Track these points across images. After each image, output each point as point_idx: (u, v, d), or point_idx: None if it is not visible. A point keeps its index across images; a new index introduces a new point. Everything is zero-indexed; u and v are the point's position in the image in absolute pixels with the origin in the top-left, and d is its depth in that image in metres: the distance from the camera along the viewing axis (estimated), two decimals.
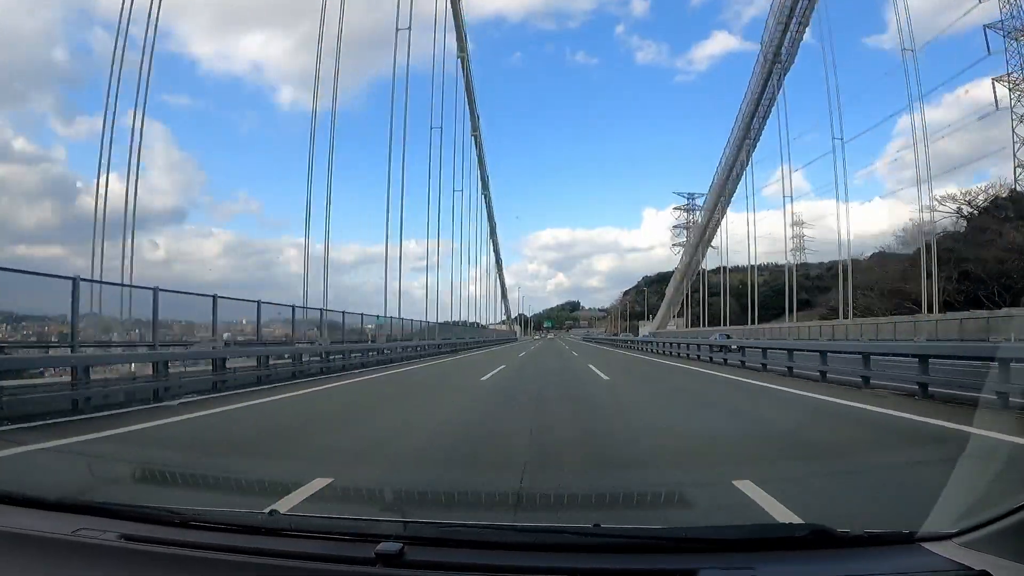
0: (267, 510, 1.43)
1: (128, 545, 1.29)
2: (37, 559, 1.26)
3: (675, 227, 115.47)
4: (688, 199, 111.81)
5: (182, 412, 6.98)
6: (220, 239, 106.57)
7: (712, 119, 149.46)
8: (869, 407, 7.01)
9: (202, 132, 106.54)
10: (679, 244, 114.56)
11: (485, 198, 51.38)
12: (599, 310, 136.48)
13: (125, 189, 18.55)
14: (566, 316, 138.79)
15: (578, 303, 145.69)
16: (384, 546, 1.20)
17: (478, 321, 51.69)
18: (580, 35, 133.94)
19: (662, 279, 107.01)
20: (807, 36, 38.79)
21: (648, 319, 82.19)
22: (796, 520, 2.53)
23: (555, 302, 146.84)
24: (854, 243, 44.82)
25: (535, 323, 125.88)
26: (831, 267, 42.58)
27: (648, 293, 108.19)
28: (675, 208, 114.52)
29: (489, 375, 13.58)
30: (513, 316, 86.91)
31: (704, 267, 61.45)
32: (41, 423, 6.06)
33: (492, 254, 57.97)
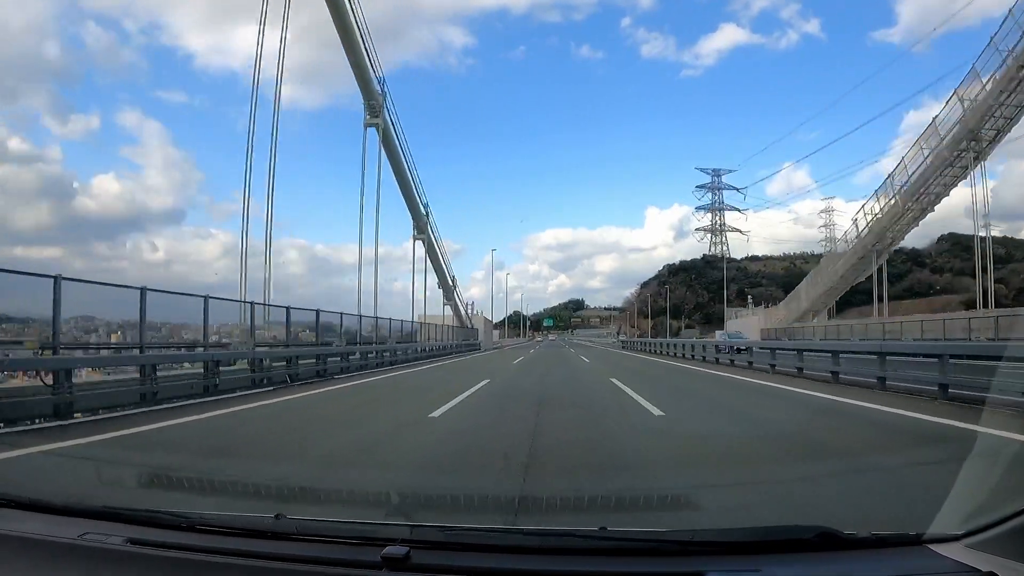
0: (273, 514, 1.71)
1: (134, 549, 1.56)
2: (43, 563, 1.53)
3: (698, 208, 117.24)
4: (713, 176, 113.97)
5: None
6: (219, 240, 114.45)
7: (716, 116, 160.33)
8: None
9: (199, 130, 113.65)
10: (703, 228, 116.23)
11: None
12: (607, 308, 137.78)
13: None
14: (569, 315, 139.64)
15: (582, 301, 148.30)
16: (390, 550, 1.47)
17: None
18: (585, 27, 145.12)
19: (684, 270, 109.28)
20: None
21: (740, 311, 69.64)
22: None
23: (556, 302, 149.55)
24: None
25: (534, 323, 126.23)
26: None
27: (672, 284, 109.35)
28: (698, 187, 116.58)
29: None
30: (483, 313, 68.64)
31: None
32: None
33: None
